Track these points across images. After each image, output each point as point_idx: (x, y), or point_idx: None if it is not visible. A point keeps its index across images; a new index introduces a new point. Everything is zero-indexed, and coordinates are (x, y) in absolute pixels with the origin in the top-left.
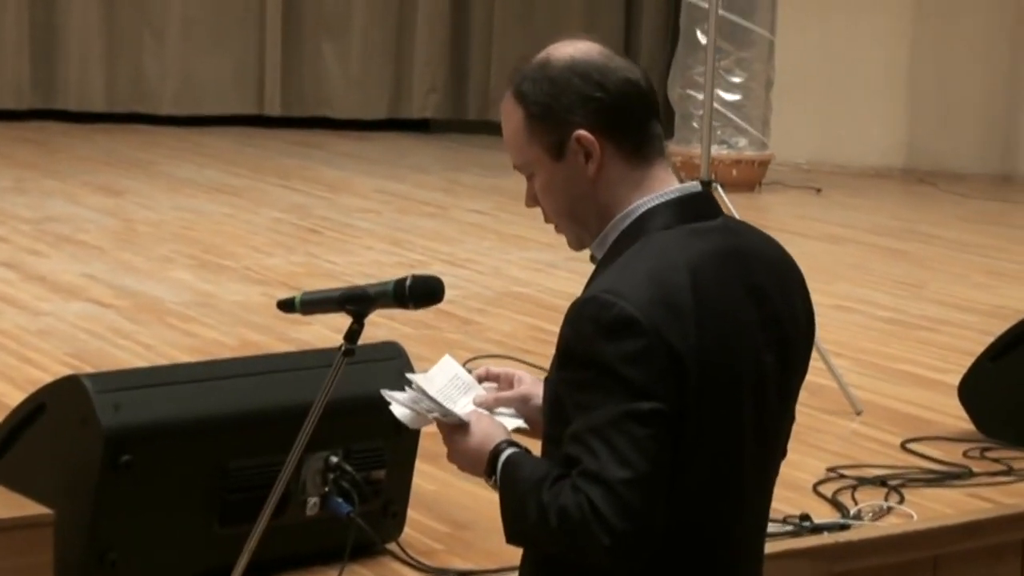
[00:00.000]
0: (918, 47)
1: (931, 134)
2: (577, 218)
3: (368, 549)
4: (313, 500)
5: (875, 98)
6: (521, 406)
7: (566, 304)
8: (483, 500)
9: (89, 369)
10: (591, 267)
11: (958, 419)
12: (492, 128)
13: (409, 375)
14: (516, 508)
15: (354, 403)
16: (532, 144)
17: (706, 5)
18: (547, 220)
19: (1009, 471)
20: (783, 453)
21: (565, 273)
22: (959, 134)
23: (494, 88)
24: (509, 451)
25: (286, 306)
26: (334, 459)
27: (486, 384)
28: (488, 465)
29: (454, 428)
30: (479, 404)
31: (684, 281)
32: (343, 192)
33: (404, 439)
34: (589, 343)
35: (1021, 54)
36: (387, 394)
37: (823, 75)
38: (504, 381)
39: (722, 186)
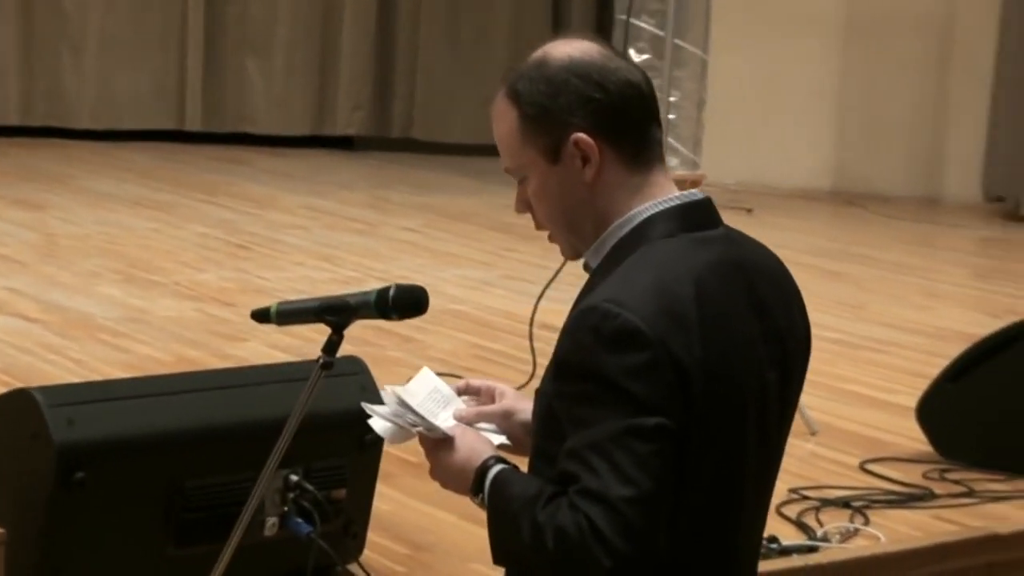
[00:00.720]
0: (847, 70)
1: (859, 156)
2: (572, 225)
3: (328, 570)
4: (272, 520)
5: (804, 120)
6: (503, 421)
7: (504, 322)
8: (441, 522)
9: (19, 385)
10: (527, 285)
11: (913, 440)
12: (416, 146)
13: (389, 387)
14: (507, 528)
15: (315, 420)
16: (526, 146)
17: (641, 24)
18: (538, 227)
19: (971, 493)
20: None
21: (501, 291)
22: (886, 156)
23: (419, 106)
24: (498, 467)
25: (261, 316)
26: (294, 478)
27: (465, 397)
28: (475, 482)
29: (438, 443)
30: (459, 418)
31: (689, 292)
32: (270, 208)
33: (365, 457)
34: (589, 354)
35: (948, 77)
36: (368, 407)
37: (753, 96)
38: (485, 394)
39: None
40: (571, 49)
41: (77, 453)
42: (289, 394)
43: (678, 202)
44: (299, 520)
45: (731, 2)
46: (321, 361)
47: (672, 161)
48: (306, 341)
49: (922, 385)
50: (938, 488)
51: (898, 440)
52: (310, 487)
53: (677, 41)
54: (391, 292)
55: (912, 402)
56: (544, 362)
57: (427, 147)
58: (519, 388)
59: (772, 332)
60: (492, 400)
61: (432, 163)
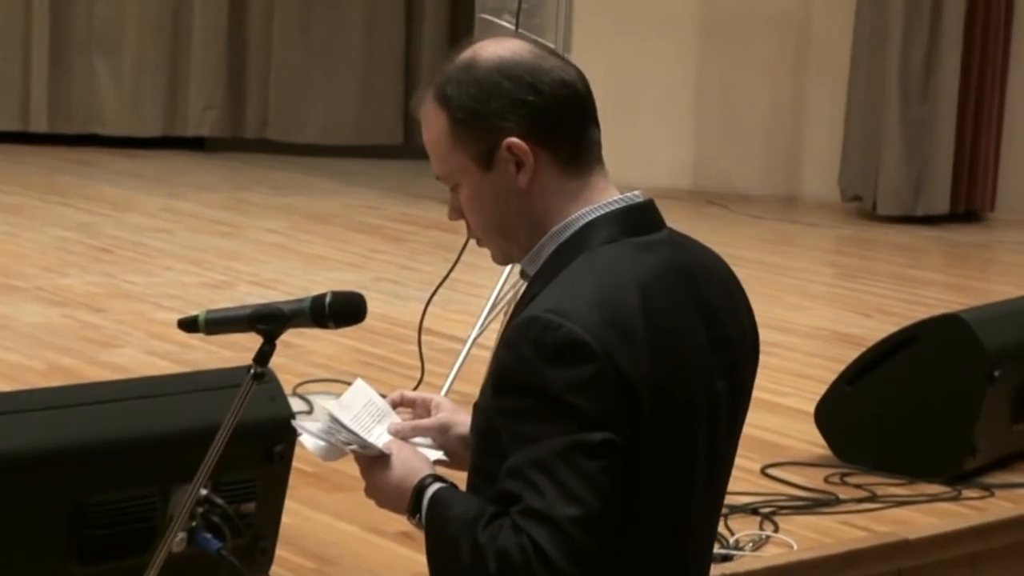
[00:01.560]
0: (704, 69)
1: (718, 155)
2: (506, 232)
3: None
4: (180, 535)
5: (662, 119)
6: (440, 435)
7: (382, 325)
8: (345, 534)
9: None
10: (399, 288)
11: (809, 443)
12: (271, 146)
13: (319, 400)
14: (445, 550)
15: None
16: (456, 152)
17: (502, 22)
18: (471, 234)
19: (873, 497)
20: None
21: (376, 294)
22: (745, 155)
23: (272, 106)
24: (435, 486)
25: (188, 325)
26: (203, 491)
27: (400, 410)
28: (412, 502)
29: (373, 461)
30: (394, 433)
31: (634, 300)
32: (128, 211)
33: (274, 469)
34: (531, 368)
35: (805, 76)
36: (298, 425)
37: (612, 96)
38: (420, 407)
39: None
40: (501, 49)
41: None
42: (196, 405)
43: (619, 205)
44: (208, 535)
45: (589, 2)
46: (253, 371)
47: None
48: (185, 347)
49: (808, 386)
50: (841, 493)
51: (794, 444)
52: (219, 501)
53: (538, 39)
54: (327, 300)
55: (801, 404)
56: (433, 368)
57: (281, 148)
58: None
59: (720, 339)
60: (428, 412)
61: (288, 164)
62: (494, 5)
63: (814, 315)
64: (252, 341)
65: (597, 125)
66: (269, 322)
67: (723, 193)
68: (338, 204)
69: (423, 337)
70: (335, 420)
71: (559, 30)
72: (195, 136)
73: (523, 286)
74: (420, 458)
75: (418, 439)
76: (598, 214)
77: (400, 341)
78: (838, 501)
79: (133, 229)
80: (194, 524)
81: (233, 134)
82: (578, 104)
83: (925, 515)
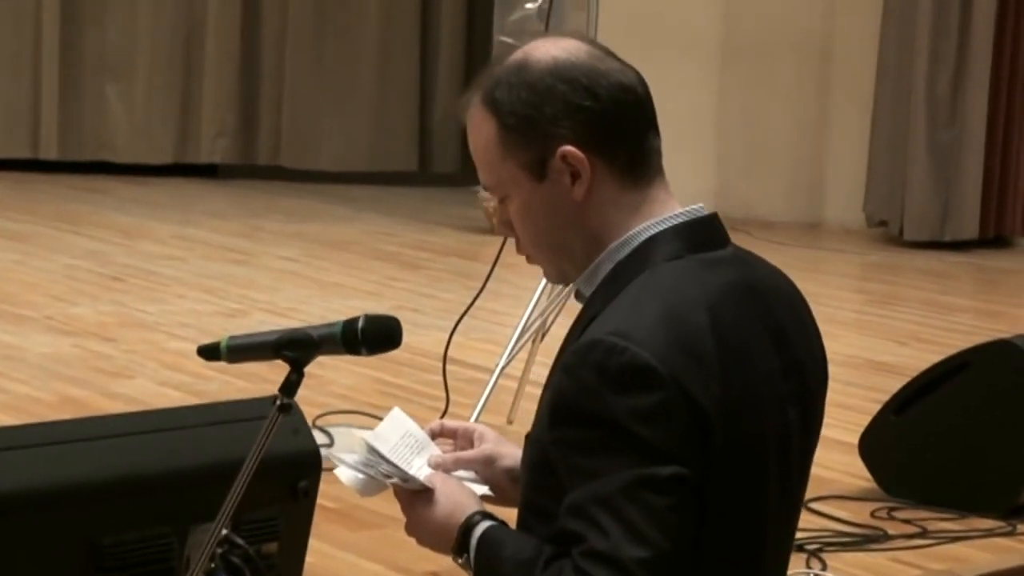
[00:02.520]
0: (726, 93)
1: (739, 181)
2: (560, 248)
3: None
4: None
5: (684, 145)
6: (484, 468)
7: (403, 355)
8: (371, 574)
9: None
10: (419, 316)
11: (853, 475)
12: (283, 173)
13: (357, 432)
14: None
15: (241, 466)
16: (506, 161)
17: (520, 44)
18: (520, 250)
19: (924, 533)
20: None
21: None
22: (767, 181)
23: (285, 132)
24: (485, 524)
25: (209, 353)
26: (223, 531)
27: (440, 441)
28: (458, 541)
29: (415, 496)
30: (435, 466)
31: (703, 322)
32: (139, 238)
33: (298, 506)
34: (593, 396)
35: (829, 100)
36: (334, 456)
37: None
38: (462, 438)
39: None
40: (555, 49)
41: None
42: (215, 439)
43: (683, 219)
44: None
45: (610, 25)
46: (279, 402)
47: None
48: (199, 378)
49: (848, 417)
50: (890, 528)
51: (837, 476)
52: (240, 541)
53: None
54: (360, 324)
55: (842, 435)
56: (457, 399)
57: (294, 175)
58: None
59: (792, 364)
60: (470, 444)
61: (300, 191)
62: (512, 28)
63: (846, 343)
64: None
65: (657, 132)
66: (297, 349)
67: (745, 219)
68: (353, 231)
69: (440, 367)
70: (373, 451)
71: None
72: (207, 163)
73: (552, 313)
74: (466, 492)
75: (460, 472)
76: (660, 228)
77: (422, 371)
78: (887, 537)
79: (144, 257)
80: (213, 566)
81: (245, 161)
82: (638, 110)
83: (979, 551)
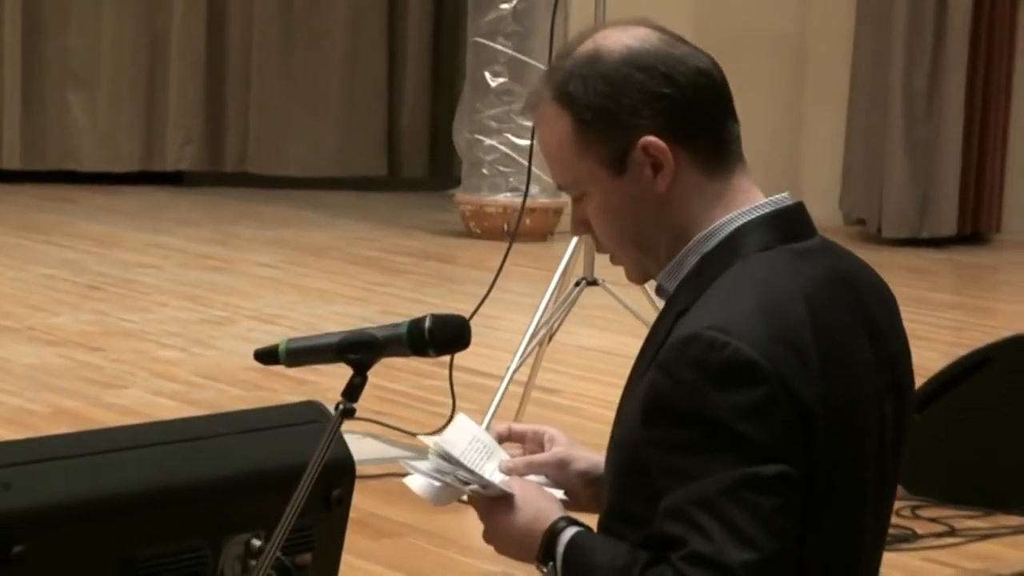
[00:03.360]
0: None
1: None
2: (643, 244)
3: None
4: None
5: None
6: (557, 472)
7: (400, 361)
8: None
9: None
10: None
11: None
12: (251, 180)
13: (424, 439)
14: None
15: (275, 475)
16: (584, 157)
17: (496, 45)
18: (600, 249)
19: (953, 531)
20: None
21: None
22: None
23: (252, 139)
24: (572, 531)
25: (267, 357)
26: (256, 542)
27: (507, 444)
28: (543, 548)
29: (494, 503)
30: (507, 471)
31: (801, 314)
32: (113, 247)
33: (332, 516)
34: (693, 393)
35: (804, 99)
36: (408, 464)
37: None
38: (531, 441)
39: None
40: (627, 38)
41: (15, 523)
42: (247, 447)
43: (770, 208)
44: None
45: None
46: (342, 407)
47: (534, 189)
48: (192, 387)
49: None
50: (917, 527)
51: None
52: (277, 553)
53: (534, 62)
54: (427, 324)
55: None
56: (459, 404)
57: (262, 181)
58: (436, 432)
59: (885, 357)
60: (540, 447)
61: (269, 197)
62: (488, 29)
63: None
64: (265, 377)
65: (736, 118)
66: (361, 351)
67: None
68: (329, 237)
69: (442, 372)
70: (447, 457)
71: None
72: (173, 171)
73: (559, 318)
74: (548, 497)
75: (532, 477)
76: (747, 219)
77: (420, 376)
78: (916, 536)
79: (120, 266)
80: None
81: (212, 168)
82: (717, 95)
83: (1011, 549)
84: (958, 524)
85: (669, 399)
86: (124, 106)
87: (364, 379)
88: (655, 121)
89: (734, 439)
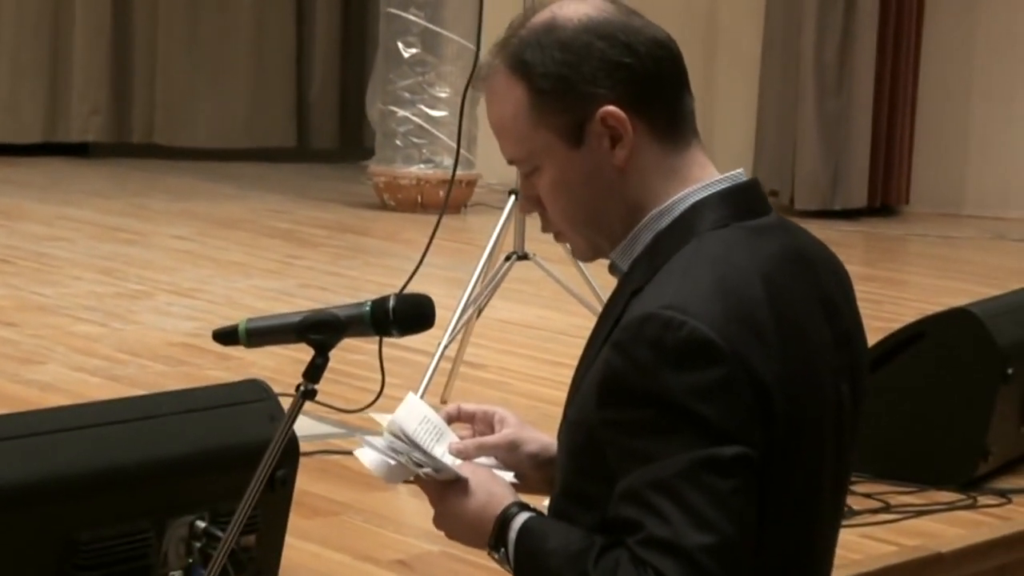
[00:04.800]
0: None
1: None
2: (596, 220)
3: None
4: (176, 574)
5: None
6: (508, 454)
7: None
8: (337, 564)
9: None
10: (326, 295)
11: None
12: (159, 151)
13: (376, 416)
14: None
15: (219, 456)
16: (539, 129)
17: (409, 16)
18: (546, 228)
19: (888, 508)
20: None
21: (303, 300)
22: None
23: (159, 109)
24: (524, 516)
25: (226, 337)
26: (200, 524)
27: (457, 425)
28: (494, 534)
29: (446, 487)
30: (456, 453)
31: (759, 293)
32: (20, 220)
33: (276, 497)
34: (649, 373)
35: (715, 68)
36: (364, 439)
37: None
38: (481, 422)
39: (426, 207)
40: (584, 7)
41: None
42: (193, 427)
43: (726, 185)
44: (205, 572)
45: None
46: (303, 388)
47: (446, 160)
48: (114, 363)
49: None
50: (854, 503)
51: None
52: (219, 533)
53: (448, 33)
54: (391, 304)
55: None
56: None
57: (169, 152)
58: (366, 408)
59: (841, 335)
60: (490, 428)
61: (178, 169)
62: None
63: None
64: (187, 352)
65: (691, 93)
66: (323, 331)
67: None
68: (241, 209)
69: (368, 348)
70: (401, 437)
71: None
72: (78, 142)
73: (488, 293)
74: (500, 483)
75: (482, 459)
76: (703, 195)
77: (345, 351)
78: (853, 512)
79: (30, 239)
80: (191, 561)
81: (118, 139)
82: (675, 68)
83: (947, 525)
84: (892, 500)
85: (625, 379)
86: (26, 75)
87: (326, 360)
88: (614, 91)
89: (691, 420)
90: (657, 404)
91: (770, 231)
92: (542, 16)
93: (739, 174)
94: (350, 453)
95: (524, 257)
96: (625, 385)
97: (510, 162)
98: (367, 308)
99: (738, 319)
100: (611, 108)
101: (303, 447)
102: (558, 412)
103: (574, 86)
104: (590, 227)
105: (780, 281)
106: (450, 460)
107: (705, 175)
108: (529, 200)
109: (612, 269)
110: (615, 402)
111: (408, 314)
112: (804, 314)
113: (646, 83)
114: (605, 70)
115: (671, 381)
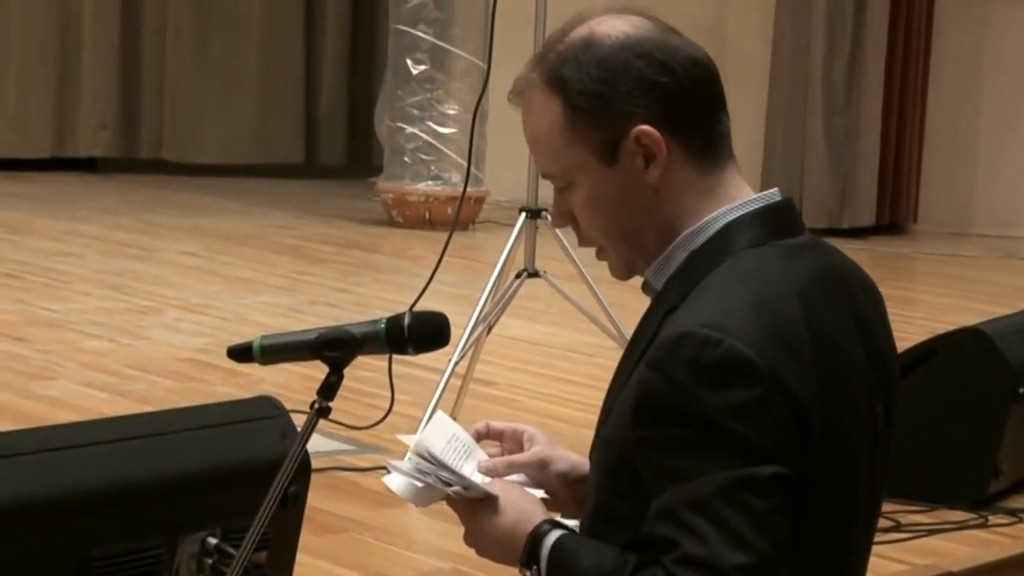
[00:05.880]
0: None
1: None
2: (631, 237)
3: None
4: None
5: None
6: (538, 472)
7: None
8: None
9: None
10: (334, 311)
11: None
12: (166, 167)
13: (403, 438)
14: None
15: (231, 472)
16: (574, 145)
17: (418, 33)
18: (583, 242)
19: (899, 526)
20: None
21: (312, 318)
22: None
23: (167, 125)
24: (556, 534)
25: (241, 354)
26: (212, 540)
27: (486, 443)
28: (527, 552)
29: (476, 504)
30: (486, 471)
31: (795, 312)
32: (29, 235)
33: (289, 514)
34: (686, 392)
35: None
36: (389, 463)
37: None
38: (510, 440)
39: (434, 224)
40: (622, 24)
41: None
42: (205, 444)
43: (760, 204)
44: None
45: (510, 13)
46: (318, 406)
47: (455, 177)
48: (123, 378)
49: None
50: None
51: None
52: (231, 550)
53: (458, 51)
54: (406, 321)
55: None
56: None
57: (177, 168)
58: (375, 425)
59: (876, 356)
60: (519, 446)
61: (186, 185)
62: (408, 16)
63: None
64: (197, 368)
65: (727, 113)
66: (338, 348)
67: None
68: (250, 225)
69: (378, 364)
70: (427, 457)
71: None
72: (86, 157)
73: (499, 311)
74: (531, 499)
75: (512, 477)
76: (737, 215)
77: (354, 368)
78: None
79: (39, 254)
80: None
81: (126, 154)
82: (711, 88)
83: (958, 544)
84: (903, 519)
85: (661, 398)
86: (35, 90)
87: (340, 377)
88: (649, 110)
89: (728, 439)
90: (694, 423)
91: (805, 250)
92: (580, 32)
93: (773, 193)
94: (361, 470)
95: (535, 275)
96: (661, 403)
97: (544, 176)
98: (382, 326)
99: (774, 337)
100: (645, 127)
101: (315, 464)
102: (567, 429)
103: (610, 104)
104: (625, 244)
105: (815, 300)
106: (479, 478)
107: (740, 195)
108: (562, 215)
109: (646, 288)
110: (651, 421)
111: (423, 332)
112: (839, 333)
113: (681, 102)
114: (641, 88)
115: (708, 400)
